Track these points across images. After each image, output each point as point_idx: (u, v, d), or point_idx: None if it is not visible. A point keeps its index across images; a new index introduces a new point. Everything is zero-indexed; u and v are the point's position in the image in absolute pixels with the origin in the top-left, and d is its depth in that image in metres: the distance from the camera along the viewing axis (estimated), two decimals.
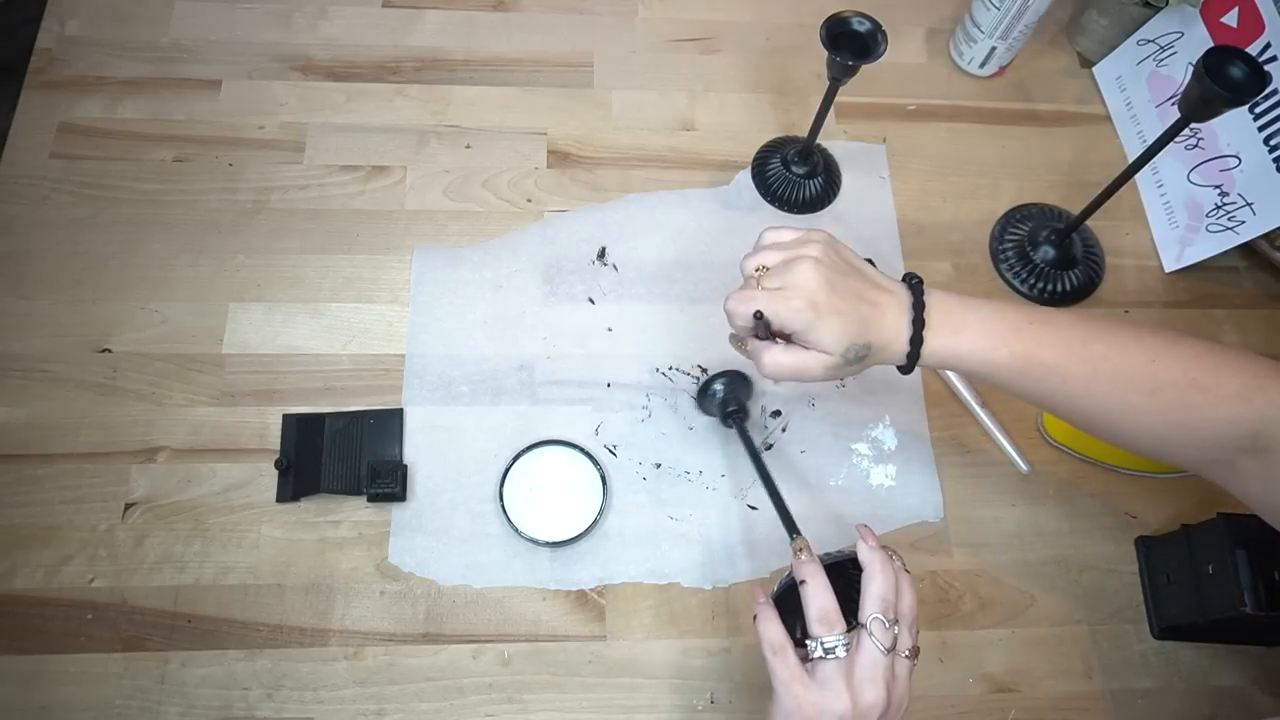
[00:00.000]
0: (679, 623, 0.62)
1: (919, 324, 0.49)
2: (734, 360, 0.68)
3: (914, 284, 0.51)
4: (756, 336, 0.51)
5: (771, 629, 0.46)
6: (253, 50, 0.81)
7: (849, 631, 0.45)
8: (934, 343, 0.50)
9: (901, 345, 0.50)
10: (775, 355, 0.50)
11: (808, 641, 0.45)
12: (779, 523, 0.64)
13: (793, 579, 0.47)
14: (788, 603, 0.48)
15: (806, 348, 0.50)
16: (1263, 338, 0.76)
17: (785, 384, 0.70)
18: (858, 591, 0.46)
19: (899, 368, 0.51)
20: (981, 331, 0.50)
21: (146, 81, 0.78)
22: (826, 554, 0.49)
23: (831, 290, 0.48)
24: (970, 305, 0.51)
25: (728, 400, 0.65)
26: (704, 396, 0.67)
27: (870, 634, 0.44)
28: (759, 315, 0.49)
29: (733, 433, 0.66)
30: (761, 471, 0.58)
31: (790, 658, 0.45)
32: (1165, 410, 0.48)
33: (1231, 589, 0.56)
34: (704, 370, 0.70)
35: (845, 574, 0.48)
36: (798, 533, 0.51)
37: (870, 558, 0.46)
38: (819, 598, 0.45)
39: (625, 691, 0.60)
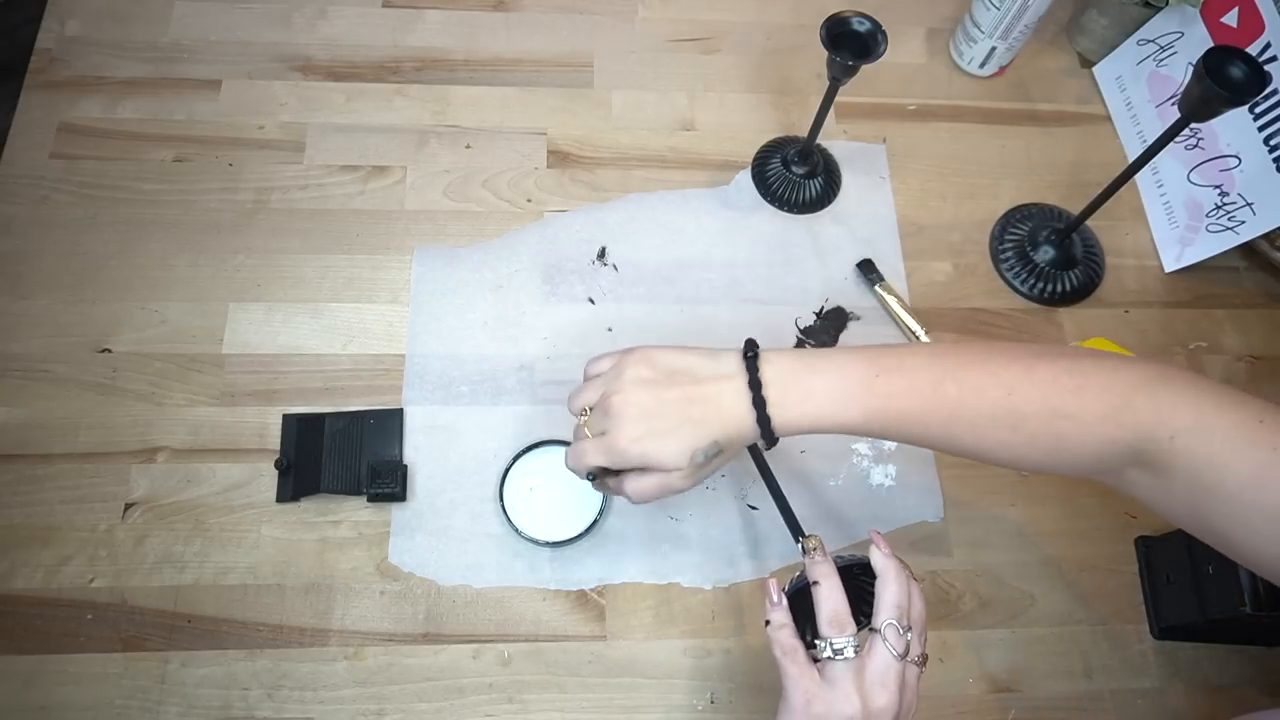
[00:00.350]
0: (679, 623, 0.62)
1: (760, 405, 0.48)
2: None
3: (749, 359, 0.49)
4: (608, 476, 0.52)
5: (783, 632, 0.46)
6: (253, 50, 0.81)
7: (858, 634, 0.45)
8: (782, 417, 0.48)
9: (750, 428, 0.48)
10: (635, 484, 0.49)
11: (817, 642, 0.45)
12: (779, 522, 0.64)
13: (804, 580, 0.47)
14: (797, 603, 0.48)
15: (654, 474, 0.49)
16: (1263, 338, 0.76)
17: None
18: (864, 596, 0.46)
19: (762, 445, 0.50)
20: (828, 395, 0.48)
21: (146, 81, 0.78)
22: (837, 557, 0.49)
23: (653, 415, 0.48)
24: (815, 367, 0.49)
25: None
26: None
27: (884, 639, 0.44)
28: (592, 476, 0.50)
29: None
30: (766, 474, 0.58)
31: (801, 656, 0.45)
32: (1033, 441, 0.46)
33: (1231, 589, 0.56)
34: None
35: (853, 578, 0.48)
36: (801, 536, 0.51)
37: (885, 565, 0.46)
38: (832, 599, 0.45)
39: (625, 691, 0.60)
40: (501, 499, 0.63)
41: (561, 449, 0.65)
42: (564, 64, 0.83)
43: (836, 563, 0.47)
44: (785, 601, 0.48)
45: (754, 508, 0.66)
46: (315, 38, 0.82)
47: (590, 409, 0.51)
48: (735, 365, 0.49)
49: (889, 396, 0.47)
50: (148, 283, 0.70)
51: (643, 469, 0.49)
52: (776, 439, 0.49)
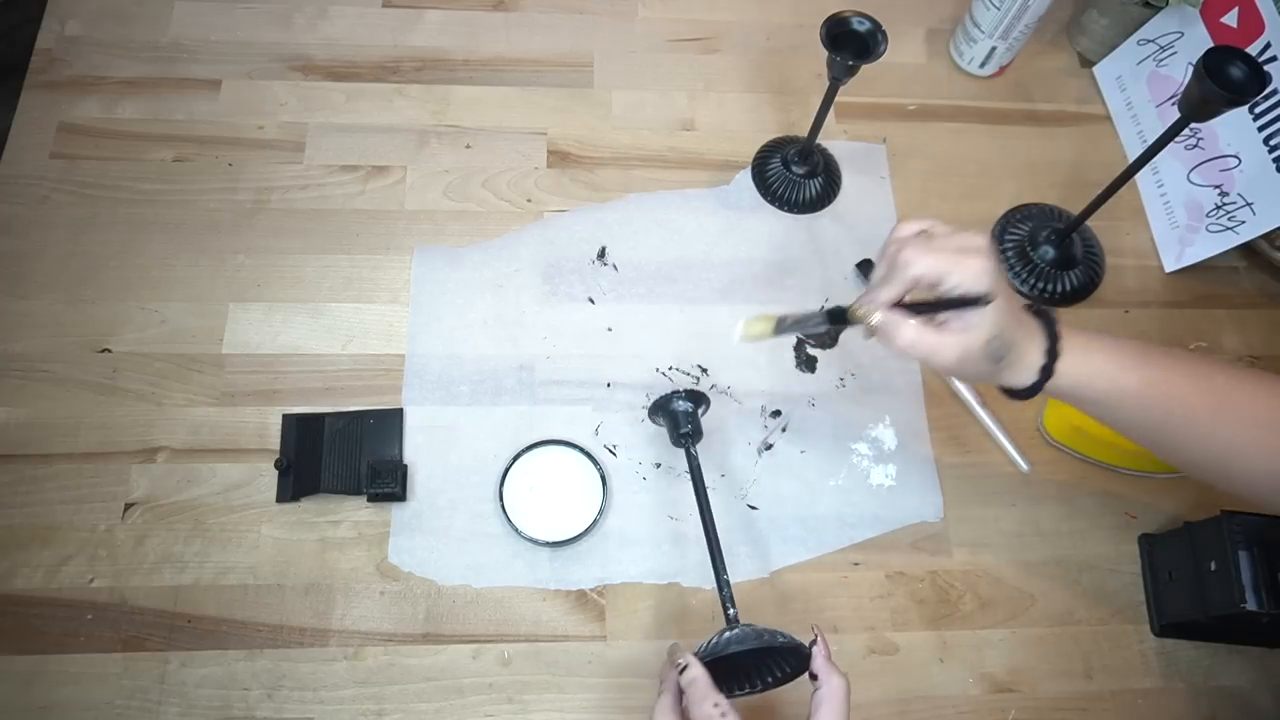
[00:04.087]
0: (679, 623, 0.62)
1: (1053, 338, 0.48)
2: (736, 371, 0.68)
3: (1038, 309, 0.50)
4: (898, 304, 0.48)
5: (664, 700, 0.48)
6: (253, 50, 0.81)
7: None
8: (1066, 359, 0.48)
9: (1036, 358, 0.48)
10: (916, 332, 0.47)
11: None
12: (779, 522, 0.64)
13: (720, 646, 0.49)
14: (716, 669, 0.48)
15: (945, 330, 0.47)
16: (1263, 338, 0.76)
17: (786, 386, 0.70)
18: (753, 669, 0.50)
19: (1020, 391, 0.50)
20: (1111, 354, 0.49)
21: (146, 81, 0.78)
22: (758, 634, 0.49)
23: (1000, 274, 0.47)
24: (1096, 334, 0.50)
25: (680, 421, 0.62)
26: (658, 413, 0.64)
27: None
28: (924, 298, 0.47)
29: (733, 433, 0.66)
30: (702, 504, 0.57)
31: None
32: None
33: (1233, 586, 0.56)
34: (704, 370, 0.70)
35: (751, 657, 0.50)
36: (724, 573, 0.54)
37: (828, 680, 0.48)
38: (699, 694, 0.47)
39: (625, 691, 0.60)
40: (501, 499, 0.63)
41: (562, 449, 0.66)
42: (564, 64, 0.83)
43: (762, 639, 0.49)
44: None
45: (754, 508, 0.66)
46: (315, 38, 0.82)
47: (929, 234, 0.48)
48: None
49: (1166, 369, 0.48)
50: (148, 283, 0.70)
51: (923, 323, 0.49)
52: (1044, 382, 0.49)
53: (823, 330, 0.50)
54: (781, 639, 0.48)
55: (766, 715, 0.60)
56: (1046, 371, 0.48)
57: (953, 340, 0.47)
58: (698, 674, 0.47)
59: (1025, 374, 0.49)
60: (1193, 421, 0.48)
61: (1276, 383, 0.47)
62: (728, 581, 0.54)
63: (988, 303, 0.46)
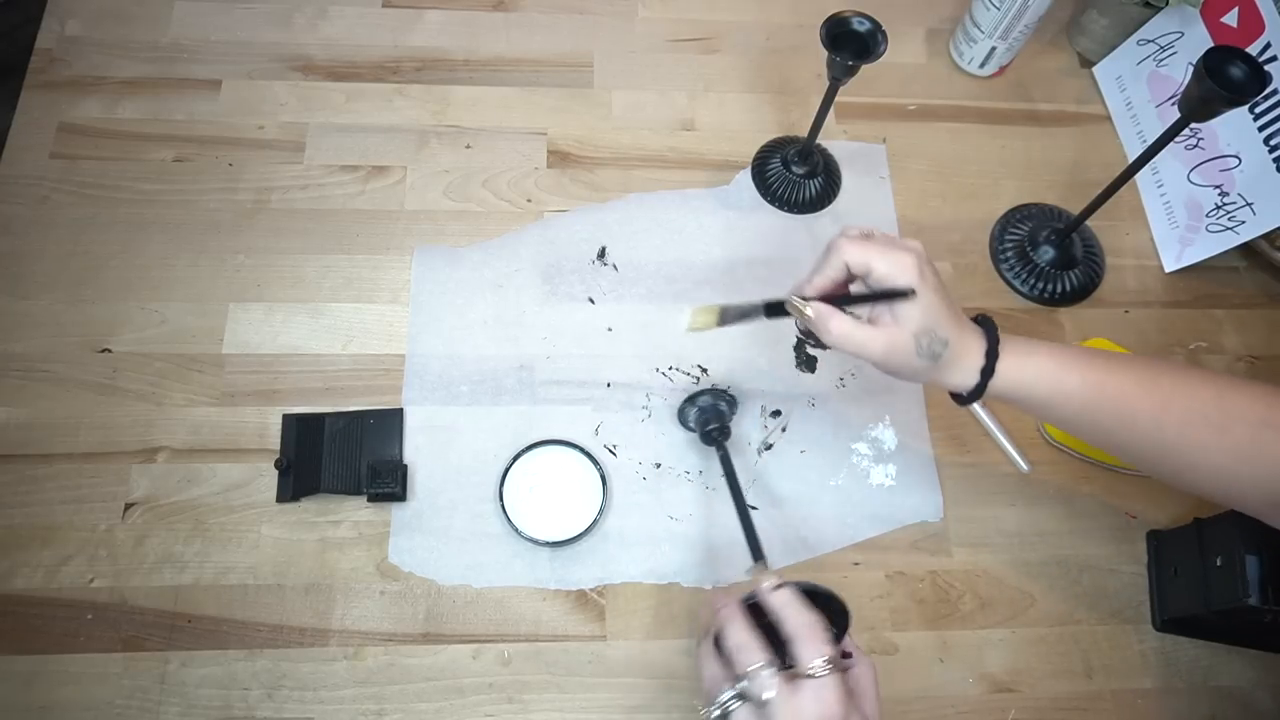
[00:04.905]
0: (679, 623, 0.62)
1: (994, 340, 0.49)
2: (736, 371, 0.68)
3: (981, 318, 0.52)
4: (828, 300, 0.50)
5: (709, 664, 0.44)
6: (253, 50, 0.81)
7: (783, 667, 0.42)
8: (1007, 361, 0.49)
9: (975, 359, 0.50)
10: (844, 324, 0.49)
11: (704, 710, 0.43)
12: (779, 522, 0.64)
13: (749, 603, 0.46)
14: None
15: (875, 324, 0.49)
16: (1263, 338, 0.76)
17: (786, 386, 0.70)
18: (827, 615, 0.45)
19: (961, 397, 0.51)
20: (1052, 357, 0.49)
21: (146, 81, 0.78)
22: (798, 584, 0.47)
23: (935, 274, 0.49)
24: (1038, 340, 0.51)
25: (708, 418, 0.65)
26: (684, 412, 0.67)
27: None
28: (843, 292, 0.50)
29: (733, 433, 0.66)
30: (737, 496, 0.58)
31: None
32: (1236, 448, 0.47)
33: (1236, 581, 0.56)
34: (704, 370, 0.70)
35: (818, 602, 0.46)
36: (762, 557, 0.52)
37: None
38: (734, 636, 0.43)
39: (625, 691, 0.60)
40: (501, 499, 0.63)
41: (562, 449, 0.66)
42: (564, 64, 0.83)
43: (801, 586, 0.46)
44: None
45: (754, 507, 0.66)
46: (315, 38, 0.82)
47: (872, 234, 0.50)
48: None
49: (1109, 371, 0.49)
50: (148, 283, 0.70)
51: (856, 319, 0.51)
52: (985, 385, 0.50)
53: (760, 319, 0.52)
54: (837, 603, 0.47)
55: None
56: (987, 373, 0.49)
57: (880, 333, 0.49)
58: (790, 594, 0.44)
59: (966, 375, 0.50)
60: (1137, 421, 0.49)
61: (1220, 382, 0.48)
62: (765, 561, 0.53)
63: (914, 293, 0.48)
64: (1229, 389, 0.48)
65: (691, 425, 0.67)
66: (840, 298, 0.51)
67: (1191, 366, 0.50)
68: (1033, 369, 0.50)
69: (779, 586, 0.44)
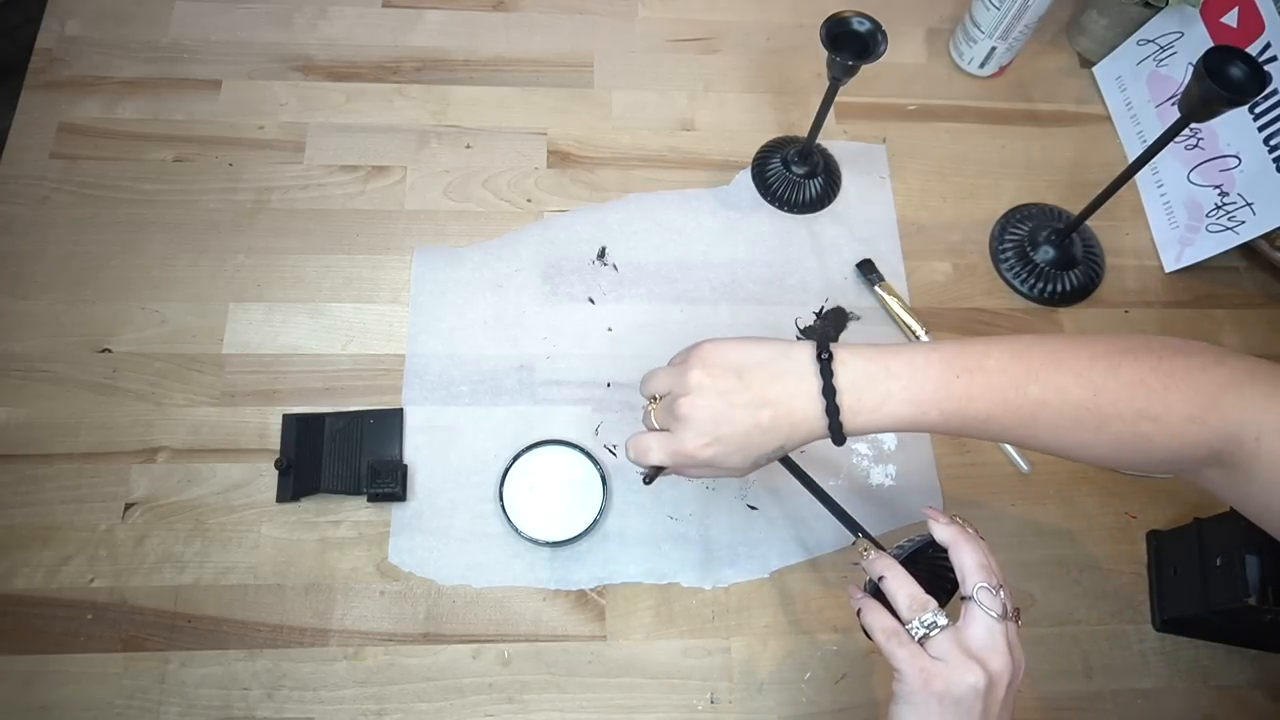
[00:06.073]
0: (679, 623, 0.62)
1: (833, 412, 0.47)
2: None
3: (823, 361, 0.47)
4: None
5: (881, 617, 0.45)
6: (253, 50, 0.81)
7: (941, 610, 0.44)
8: (855, 422, 0.47)
9: (820, 429, 0.47)
10: (693, 473, 0.51)
11: (905, 627, 0.44)
12: (779, 522, 0.64)
13: (875, 584, 0.47)
14: (880, 601, 0.47)
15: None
16: (1263, 338, 0.76)
17: None
18: (940, 573, 0.46)
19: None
20: (905, 398, 0.47)
21: (146, 81, 0.78)
22: (899, 547, 0.49)
23: (720, 421, 0.47)
24: (891, 370, 0.47)
25: None
26: None
27: (979, 603, 0.43)
28: (649, 478, 0.51)
29: None
30: (804, 479, 0.57)
31: (906, 637, 0.44)
32: (1116, 443, 0.45)
33: (1237, 581, 0.56)
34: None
35: (926, 560, 0.47)
36: (858, 534, 0.51)
37: (950, 534, 0.45)
38: (903, 586, 0.45)
39: (625, 691, 0.60)
40: (501, 499, 0.63)
41: (562, 449, 0.66)
42: (564, 64, 0.83)
43: (904, 549, 0.48)
44: (868, 594, 0.47)
45: (753, 508, 0.66)
46: (315, 38, 0.82)
47: (659, 398, 0.50)
48: (809, 366, 0.47)
49: (969, 399, 0.46)
50: (148, 283, 0.70)
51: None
52: (844, 440, 0.48)
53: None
54: (906, 549, 0.48)
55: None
56: (836, 440, 0.48)
57: (724, 473, 0.50)
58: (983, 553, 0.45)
59: (818, 439, 0.48)
60: (1007, 433, 0.47)
61: (1094, 374, 0.45)
62: (865, 531, 0.52)
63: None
64: (1106, 381, 0.45)
65: None
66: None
67: (1065, 357, 0.46)
68: (885, 418, 0.47)
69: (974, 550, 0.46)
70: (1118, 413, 0.45)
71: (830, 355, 0.47)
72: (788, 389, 0.47)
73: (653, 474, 0.52)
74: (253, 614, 0.60)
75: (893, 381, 0.47)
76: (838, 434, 0.47)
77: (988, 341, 0.48)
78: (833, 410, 0.47)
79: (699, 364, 0.48)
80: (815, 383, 0.47)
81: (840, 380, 0.47)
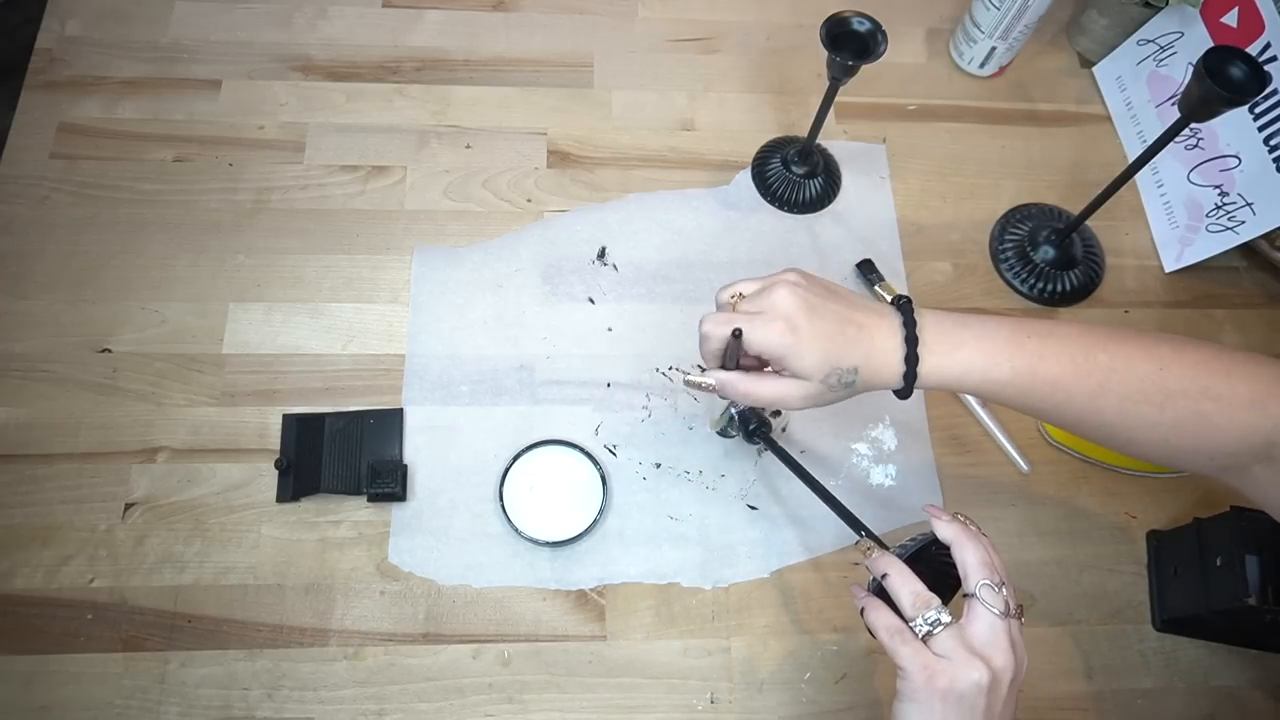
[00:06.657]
0: (679, 623, 0.62)
1: (912, 342, 0.48)
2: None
3: (903, 304, 0.49)
4: (724, 366, 0.51)
5: (884, 615, 0.45)
6: (253, 50, 0.81)
7: (944, 607, 0.44)
8: (930, 361, 0.48)
9: (895, 367, 0.48)
10: (750, 385, 0.50)
11: (909, 625, 0.44)
12: (779, 522, 0.64)
13: (879, 582, 0.47)
14: (884, 599, 0.47)
15: (785, 375, 0.48)
16: (1263, 338, 0.76)
17: None
18: (944, 570, 0.46)
19: (896, 392, 0.50)
20: (980, 348, 0.48)
21: (146, 81, 0.78)
22: (902, 546, 0.49)
23: (812, 312, 0.47)
24: (965, 322, 0.49)
25: (746, 419, 0.65)
26: (725, 431, 0.67)
27: (982, 600, 0.43)
28: (737, 334, 0.48)
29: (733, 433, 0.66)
30: (806, 477, 0.58)
31: (909, 635, 0.44)
32: (1177, 422, 0.46)
33: (1237, 581, 0.56)
34: (703, 370, 0.70)
35: (929, 557, 0.48)
36: (861, 533, 0.51)
37: (953, 531, 0.46)
38: (906, 584, 0.45)
39: (625, 691, 0.60)
40: (501, 499, 0.63)
41: (562, 449, 0.66)
42: (564, 64, 0.83)
43: (906, 548, 0.48)
44: (871, 592, 0.48)
45: (754, 508, 0.66)
46: (315, 38, 0.82)
47: (742, 295, 0.50)
48: (890, 309, 0.49)
49: (1041, 358, 0.47)
50: (148, 283, 0.70)
51: (765, 371, 0.50)
52: (912, 389, 0.49)
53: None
54: (909, 547, 0.49)
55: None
56: (910, 378, 0.48)
57: (791, 384, 0.49)
58: (987, 551, 0.45)
59: (888, 383, 0.49)
60: (1073, 402, 0.48)
61: (1161, 352, 0.47)
62: (869, 530, 0.53)
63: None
64: (1172, 359, 0.46)
65: (734, 433, 0.67)
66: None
67: (1131, 336, 0.48)
68: (959, 365, 0.48)
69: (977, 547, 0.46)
70: (1183, 388, 0.46)
71: (910, 300, 0.49)
72: (872, 319, 0.49)
73: (724, 359, 0.50)
74: (253, 614, 0.60)
75: (966, 331, 0.48)
76: (912, 368, 0.48)
77: (1059, 319, 0.49)
78: (912, 340, 0.48)
79: (794, 273, 0.49)
80: (898, 318, 0.49)
81: (920, 321, 0.48)
